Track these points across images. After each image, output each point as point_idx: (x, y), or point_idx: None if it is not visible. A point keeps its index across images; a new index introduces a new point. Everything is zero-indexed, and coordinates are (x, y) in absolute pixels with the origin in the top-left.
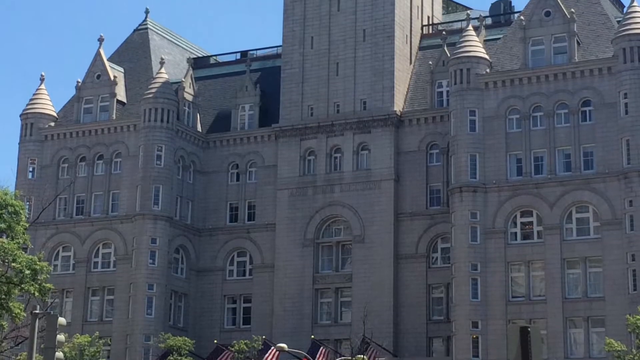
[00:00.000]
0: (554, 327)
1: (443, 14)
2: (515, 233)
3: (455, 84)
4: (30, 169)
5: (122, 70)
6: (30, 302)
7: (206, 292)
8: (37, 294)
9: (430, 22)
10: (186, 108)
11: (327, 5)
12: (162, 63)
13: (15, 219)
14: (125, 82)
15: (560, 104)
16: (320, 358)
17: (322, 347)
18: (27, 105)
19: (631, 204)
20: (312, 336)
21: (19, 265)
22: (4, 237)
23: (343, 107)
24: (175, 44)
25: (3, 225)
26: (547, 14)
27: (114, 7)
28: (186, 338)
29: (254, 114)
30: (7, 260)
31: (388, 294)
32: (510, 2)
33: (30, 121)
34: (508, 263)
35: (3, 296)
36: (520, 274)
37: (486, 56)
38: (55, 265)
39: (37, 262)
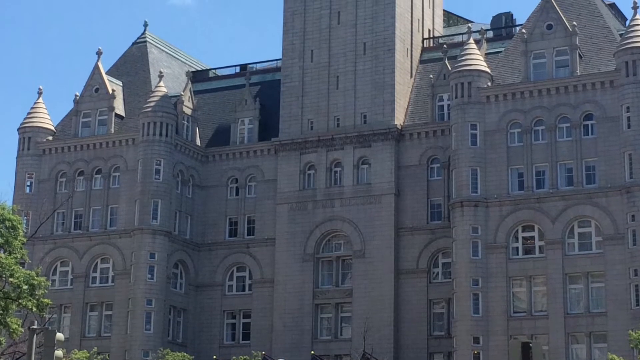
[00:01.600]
0: (555, 343)
1: (444, 27)
2: (517, 248)
3: (456, 97)
4: (28, 183)
5: (121, 84)
6: (28, 318)
7: (205, 307)
8: (34, 309)
9: (431, 35)
10: (185, 122)
11: (327, 18)
12: (160, 76)
13: (12, 234)
14: (123, 95)
15: (562, 118)
16: None
17: None
18: (25, 119)
19: (633, 219)
20: (312, 352)
21: (16, 281)
22: (2, 252)
23: (343, 120)
24: (174, 57)
25: (0, 240)
26: (549, 27)
27: (113, 21)
28: (185, 354)
29: (254, 127)
30: (4, 275)
31: (388, 309)
32: (512, 15)
33: (28, 135)
34: (509, 278)
35: (0, 311)
36: (521, 289)
37: (487, 69)
38: (53, 281)
39: (35, 277)
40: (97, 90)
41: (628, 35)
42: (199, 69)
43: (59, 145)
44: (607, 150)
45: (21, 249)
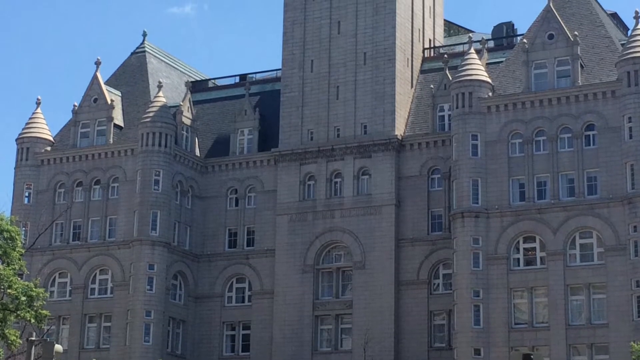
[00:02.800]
0: (557, 355)
1: (445, 37)
2: (518, 259)
3: (457, 107)
4: (26, 194)
5: (120, 94)
6: (26, 329)
7: (205, 318)
8: (33, 320)
9: (432, 45)
10: (184, 132)
11: (327, 28)
12: (160, 86)
13: (11, 245)
14: (122, 105)
15: (564, 128)
16: None
17: None
18: (23, 129)
19: (635, 230)
20: None
21: (14, 292)
22: (0, 263)
23: (343, 131)
24: (173, 67)
25: None
26: (550, 36)
27: (111, 30)
28: None
29: (253, 138)
30: (2, 287)
31: (389, 320)
32: (513, 24)
33: (26, 145)
34: (511, 289)
35: None
36: (523, 300)
37: (488, 79)
38: (52, 292)
39: (33, 289)
40: (95, 100)
41: (630, 45)
42: (199, 79)
43: (57, 155)
44: (608, 160)
45: (19, 260)
